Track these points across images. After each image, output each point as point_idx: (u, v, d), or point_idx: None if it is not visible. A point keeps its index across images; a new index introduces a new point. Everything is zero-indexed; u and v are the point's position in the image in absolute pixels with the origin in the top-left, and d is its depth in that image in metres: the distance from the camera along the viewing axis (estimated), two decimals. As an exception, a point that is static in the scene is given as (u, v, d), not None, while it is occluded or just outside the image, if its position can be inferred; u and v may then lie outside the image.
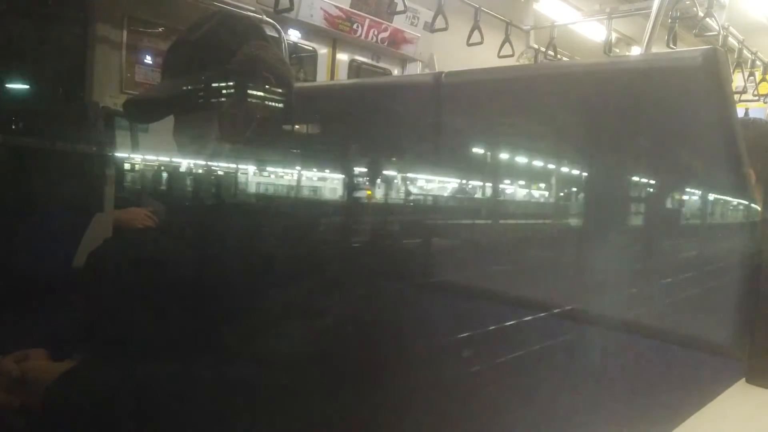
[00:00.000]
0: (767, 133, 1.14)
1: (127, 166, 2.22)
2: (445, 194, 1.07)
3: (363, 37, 3.86)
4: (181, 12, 2.57)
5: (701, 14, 2.96)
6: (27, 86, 2.50)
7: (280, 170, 1.00)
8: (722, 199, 0.77)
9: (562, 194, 0.94)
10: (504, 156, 1.00)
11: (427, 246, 1.04)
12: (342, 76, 3.92)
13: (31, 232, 1.63)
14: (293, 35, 3.50)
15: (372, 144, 1.14)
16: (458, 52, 3.62)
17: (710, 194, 0.79)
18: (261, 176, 1.00)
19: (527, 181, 0.99)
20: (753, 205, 0.75)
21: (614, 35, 4.05)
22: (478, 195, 1.03)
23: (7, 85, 2.40)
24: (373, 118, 1.15)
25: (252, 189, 1.00)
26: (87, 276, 1.06)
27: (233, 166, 1.01)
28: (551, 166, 0.96)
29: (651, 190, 0.85)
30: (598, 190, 0.89)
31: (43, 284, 1.30)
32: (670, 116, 0.80)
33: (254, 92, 1.00)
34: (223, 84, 0.97)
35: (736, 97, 4.25)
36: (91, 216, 1.75)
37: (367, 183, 1.06)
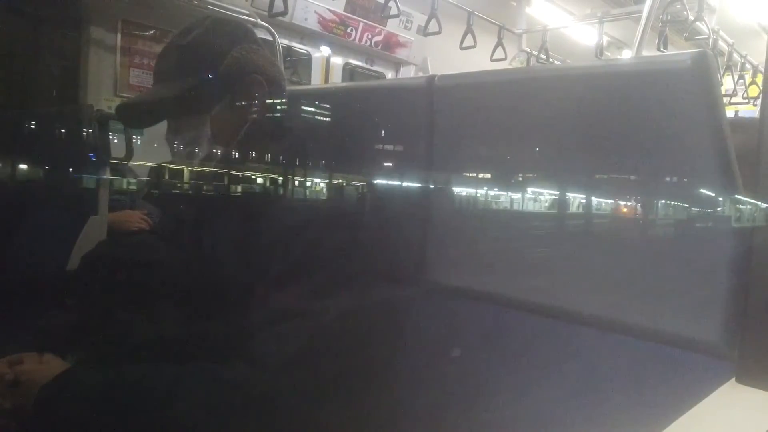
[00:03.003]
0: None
1: (121, 168, 2.21)
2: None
3: (357, 40, 3.87)
4: (175, 15, 2.56)
5: (691, 18, 2.98)
6: (21, 88, 2.49)
7: (272, 171, 1.00)
8: (711, 200, 0.78)
9: (554, 196, 0.95)
10: (496, 158, 1.01)
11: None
12: (336, 80, 3.93)
13: (25, 235, 1.62)
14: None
15: (364, 146, 1.15)
16: (451, 55, 3.63)
17: (700, 195, 0.79)
18: (253, 177, 1.01)
19: (520, 183, 0.99)
20: (744, 206, 0.76)
21: (605, 39, 4.07)
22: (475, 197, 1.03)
23: (1, 88, 2.39)
24: (366, 120, 1.16)
25: (245, 189, 1.00)
26: (81, 278, 1.06)
27: (226, 167, 1.01)
28: (543, 169, 0.97)
29: (642, 191, 0.85)
30: (590, 190, 0.90)
31: (37, 286, 1.30)
32: (661, 118, 0.81)
33: (244, 94, 1.00)
34: (213, 87, 0.98)
35: (726, 99, 4.29)
36: (86, 218, 1.74)
37: (364, 184, 1.07)
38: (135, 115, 1.09)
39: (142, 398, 0.83)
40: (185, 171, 1.01)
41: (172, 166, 1.03)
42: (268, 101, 1.01)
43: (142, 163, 2.38)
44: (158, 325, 0.96)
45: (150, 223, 2.14)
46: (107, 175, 1.92)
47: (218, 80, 0.97)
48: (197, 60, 0.98)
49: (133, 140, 2.09)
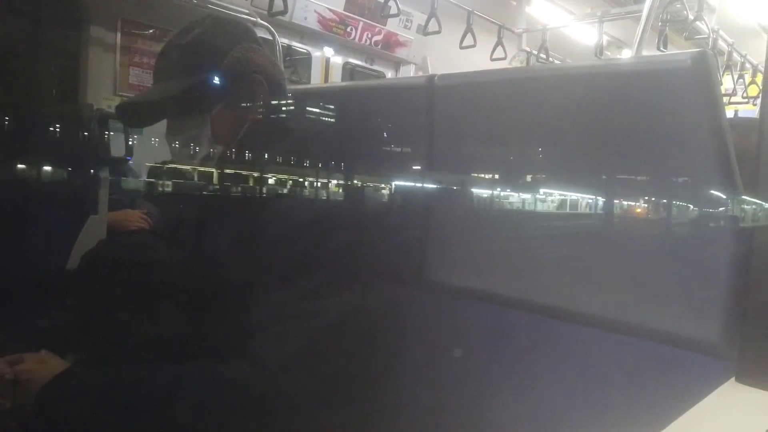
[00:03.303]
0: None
1: (121, 167, 2.21)
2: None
3: (357, 40, 3.87)
4: (175, 14, 2.56)
5: (691, 17, 2.98)
6: (21, 88, 2.49)
7: (272, 171, 1.00)
8: (711, 200, 0.78)
9: (554, 196, 0.95)
10: (496, 157, 1.01)
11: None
12: (336, 79, 3.93)
13: (25, 234, 1.62)
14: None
15: (364, 145, 1.15)
16: (451, 54, 3.63)
17: (700, 195, 0.79)
18: (253, 176, 1.01)
19: (520, 183, 0.99)
20: (744, 205, 0.76)
21: (605, 38, 4.07)
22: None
23: (2, 87, 2.39)
24: (367, 120, 1.16)
25: (245, 189, 1.00)
26: (81, 277, 1.06)
27: (226, 167, 1.01)
28: (544, 169, 0.97)
29: (642, 191, 0.85)
30: (590, 190, 0.90)
31: (38, 285, 1.30)
32: (661, 118, 0.81)
33: (244, 94, 1.00)
34: (214, 86, 0.98)
35: (726, 99, 4.29)
36: (86, 218, 1.74)
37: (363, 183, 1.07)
38: (135, 115, 1.09)
39: (143, 398, 0.83)
40: (185, 170, 1.01)
41: (172, 165, 1.03)
42: (268, 101, 1.01)
43: (142, 162, 2.39)
44: (158, 324, 0.96)
45: (150, 223, 2.14)
46: (107, 175, 1.92)
47: (218, 79, 0.97)
48: (197, 59, 0.98)
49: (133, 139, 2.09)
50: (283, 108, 1.06)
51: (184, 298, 0.97)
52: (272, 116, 1.02)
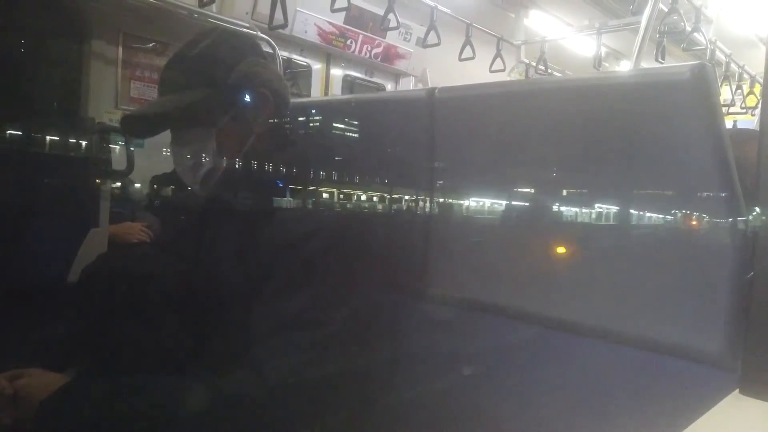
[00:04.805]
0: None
1: (122, 181, 2.21)
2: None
3: (357, 52, 3.89)
4: (176, 28, 2.58)
5: (689, 29, 3.00)
6: (23, 101, 2.50)
7: (275, 184, 1.00)
8: (711, 210, 0.78)
9: (554, 208, 0.95)
10: (496, 170, 1.01)
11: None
12: (336, 92, 3.95)
13: (26, 247, 1.62)
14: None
15: (366, 158, 1.15)
16: (450, 66, 3.65)
17: (700, 206, 0.79)
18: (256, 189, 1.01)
19: (520, 194, 0.99)
20: (745, 216, 0.76)
21: (603, 50, 4.09)
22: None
23: (3, 100, 2.40)
24: (368, 132, 1.16)
25: (248, 201, 1.01)
26: (82, 290, 1.06)
27: (230, 179, 1.01)
28: (543, 180, 0.97)
29: (642, 202, 0.85)
30: (590, 202, 0.90)
31: (38, 299, 1.29)
32: (660, 130, 0.81)
33: (250, 108, 1.00)
34: (220, 99, 0.98)
35: (724, 109, 4.30)
36: (87, 231, 1.74)
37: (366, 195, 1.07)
38: (140, 125, 1.09)
39: (143, 412, 0.83)
40: (188, 183, 1.01)
41: (174, 177, 1.03)
42: (273, 115, 1.01)
43: (144, 175, 2.39)
44: (159, 337, 0.95)
45: (150, 235, 2.14)
46: (108, 188, 1.92)
47: (225, 93, 0.98)
48: (204, 72, 0.98)
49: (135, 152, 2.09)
50: (288, 122, 1.06)
51: (185, 311, 0.97)
52: (277, 131, 1.03)
